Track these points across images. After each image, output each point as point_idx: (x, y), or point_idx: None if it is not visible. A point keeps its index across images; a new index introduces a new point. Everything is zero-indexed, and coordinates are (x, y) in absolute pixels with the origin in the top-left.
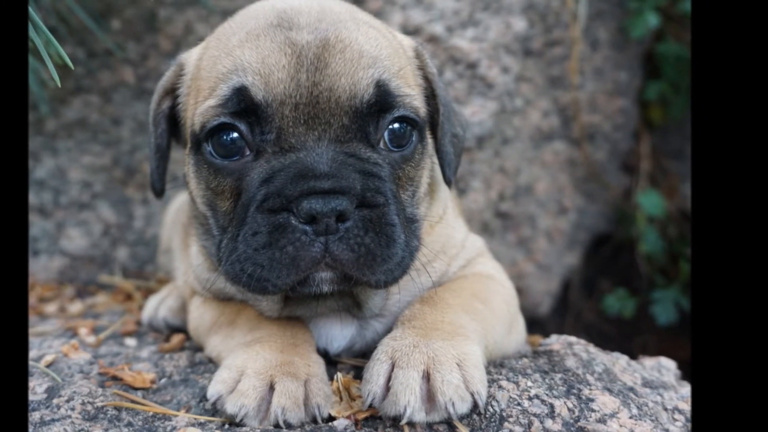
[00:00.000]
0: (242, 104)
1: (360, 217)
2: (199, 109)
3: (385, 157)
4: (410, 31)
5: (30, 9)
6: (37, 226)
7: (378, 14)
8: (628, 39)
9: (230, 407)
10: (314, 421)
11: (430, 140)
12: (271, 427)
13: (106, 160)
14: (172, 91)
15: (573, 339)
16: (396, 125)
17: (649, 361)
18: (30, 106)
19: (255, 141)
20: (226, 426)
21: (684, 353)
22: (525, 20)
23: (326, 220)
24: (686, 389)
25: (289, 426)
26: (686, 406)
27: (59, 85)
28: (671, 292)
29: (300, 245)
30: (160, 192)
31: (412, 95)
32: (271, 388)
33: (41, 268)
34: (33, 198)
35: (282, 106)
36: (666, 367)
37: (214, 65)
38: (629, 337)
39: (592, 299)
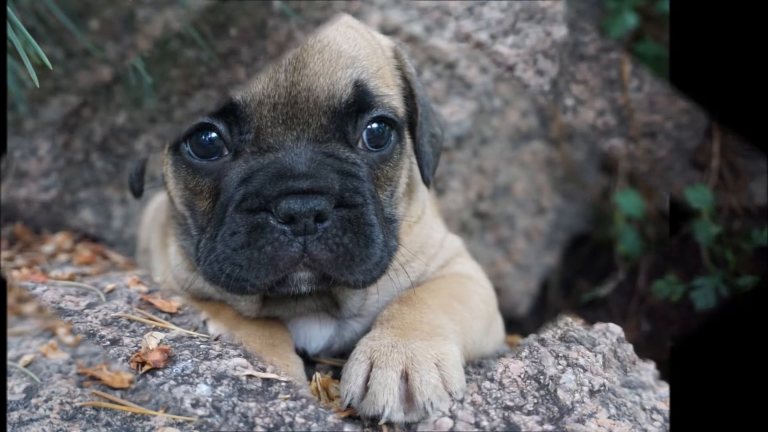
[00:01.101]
0: (221, 104)
1: (338, 217)
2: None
3: (363, 157)
4: (388, 31)
5: (8, 9)
6: None
7: (357, 14)
8: (608, 40)
9: None
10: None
11: (408, 140)
12: (242, 425)
13: None
14: None
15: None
16: (374, 125)
17: (598, 326)
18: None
19: (233, 141)
20: (204, 426)
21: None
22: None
23: (305, 220)
24: (664, 389)
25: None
26: (664, 406)
27: (38, 85)
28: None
29: (278, 245)
30: (138, 192)
31: (390, 95)
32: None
33: None
34: None
35: (260, 105)
36: (645, 368)
37: None
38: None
39: (570, 299)
